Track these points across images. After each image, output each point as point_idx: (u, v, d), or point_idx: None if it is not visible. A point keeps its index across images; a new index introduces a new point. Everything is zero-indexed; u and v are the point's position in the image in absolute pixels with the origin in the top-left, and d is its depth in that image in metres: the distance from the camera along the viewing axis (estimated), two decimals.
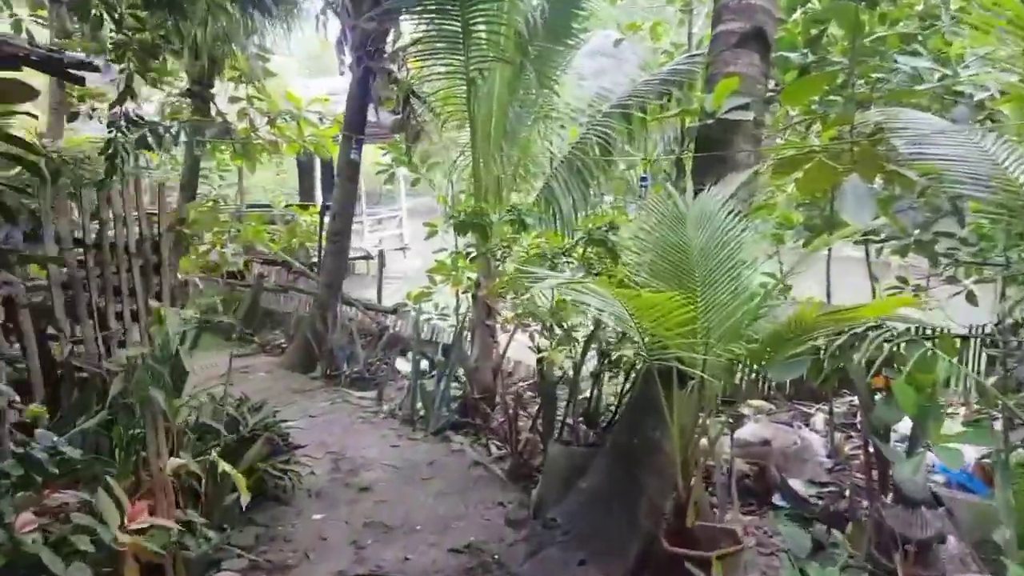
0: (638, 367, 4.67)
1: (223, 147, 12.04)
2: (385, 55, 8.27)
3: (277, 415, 5.33)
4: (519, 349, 6.65)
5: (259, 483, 4.70)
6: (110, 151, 5.56)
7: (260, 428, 4.97)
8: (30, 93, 3.50)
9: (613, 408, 5.23)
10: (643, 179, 5.07)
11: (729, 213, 3.94)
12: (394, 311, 8.62)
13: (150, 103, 15.54)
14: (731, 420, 5.42)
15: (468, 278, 8.13)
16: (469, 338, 7.27)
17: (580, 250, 4.76)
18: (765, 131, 5.18)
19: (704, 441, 3.95)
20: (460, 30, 6.40)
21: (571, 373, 5.24)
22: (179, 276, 7.27)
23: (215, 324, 6.07)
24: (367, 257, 18.40)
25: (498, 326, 7.01)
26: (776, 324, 3.53)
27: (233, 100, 12.35)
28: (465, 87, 6.74)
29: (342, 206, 8.20)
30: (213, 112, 11.70)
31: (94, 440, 3.90)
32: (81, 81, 5.62)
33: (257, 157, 12.93)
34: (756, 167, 4.39)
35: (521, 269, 4.62)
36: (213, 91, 11.67)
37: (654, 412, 3.97)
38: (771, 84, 4.86)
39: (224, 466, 3.67)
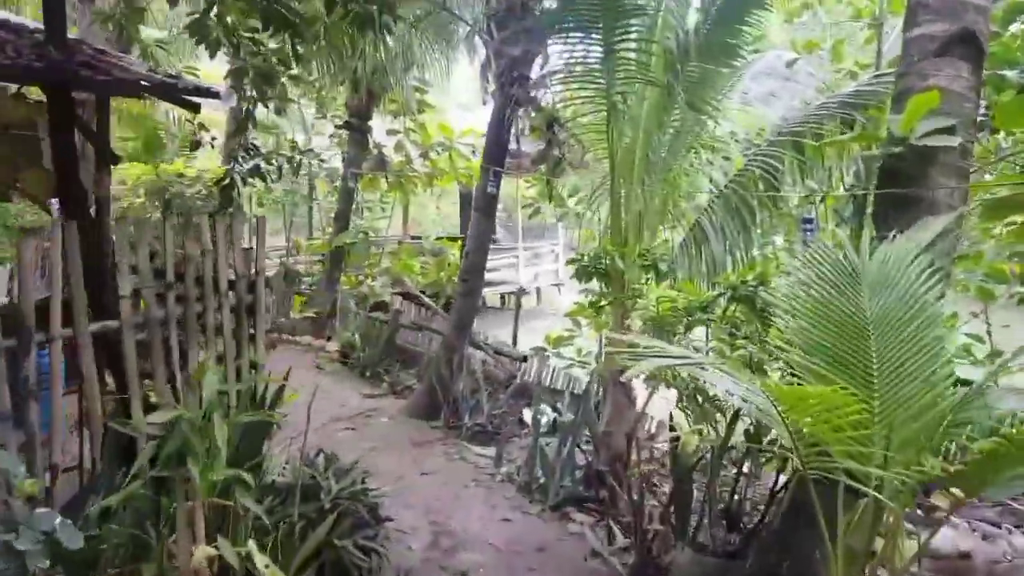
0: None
1: (379, 178, 11.99)
2: (530, 81, 7.67)
3: (367, 479, 4.73)
4: (666, 404, 5.72)
5: (336, 564, 4.09)
6: (226, 182, 5.34)
7: (345, 496, 4.38)
8: None
9: (761, 509, 4.17)
10: (807, 221, 4.03)
11: (923, 272, 2.88)
12: (524, 358, 7.91)
13: (321, 136, 16.11)
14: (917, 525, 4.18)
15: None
16: (601, 394, 6.41)
17: (723, 308, 3.81)
18: (972, 163, 4.01)
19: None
20: (601, 49, 5.65)
21: (711, 457, 4.25)
22: (291, 315, 7.09)
23: None
24: (521, 292, 17.98)
25: (636, 382, 6.11)
26: (991, 440, 2.44)
27: (391, 132, 12.37)
28: (606, 111, 5.96)
29: (477, 242, 7.65)
30: (370, 144, 11.75)
31: (135, 516, 3.39)
32: (197, 108, 5.45)
33: (412, 189, 12.87)
34: (961, 209, 3.28)
35: (631, 342, 3.72)
36: (371, 123, 11.73)
37: (813, 524, 2.94)
38: (981, 105, 3.71)
39: (261, 561, 3.06)
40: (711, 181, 6.81)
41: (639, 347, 2.65)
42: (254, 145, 5.29)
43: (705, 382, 3.73)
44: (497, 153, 7.68)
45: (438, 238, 13.88)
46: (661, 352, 2.49)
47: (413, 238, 15.31)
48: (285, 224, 15.20)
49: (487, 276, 17.30)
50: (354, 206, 16.01)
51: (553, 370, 8.50)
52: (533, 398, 6.41)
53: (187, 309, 4.20)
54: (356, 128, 11.02)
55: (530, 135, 8.66)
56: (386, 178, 11.57)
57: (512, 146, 8.06)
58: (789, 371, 3.14)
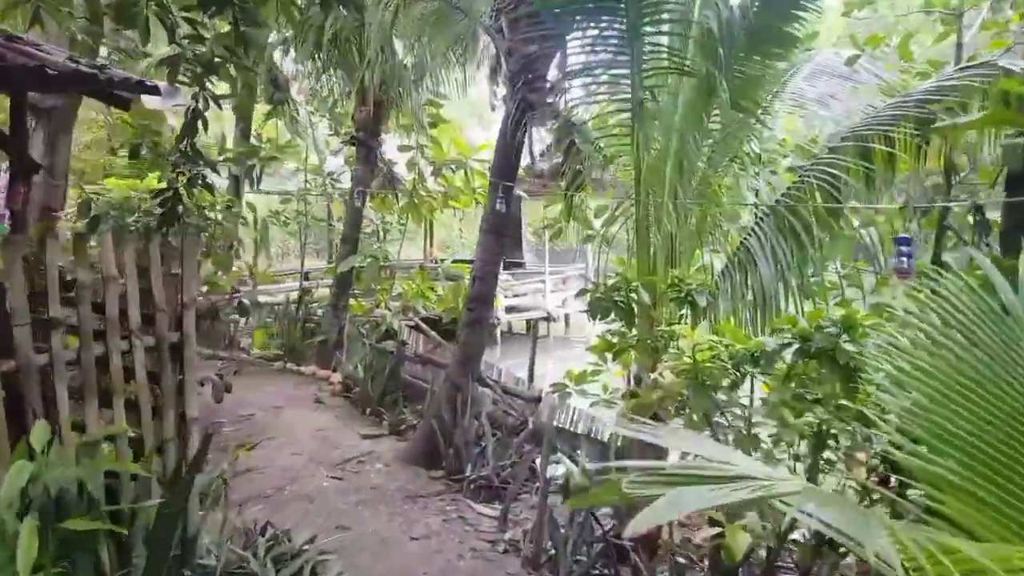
0: None
1: (390, 198, 11.05)
2: (546, 84, 6.67)
3: (325, 561, 3.69)
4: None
5: None
6: (166, 195, 4.39)
7: None
8: None
9: None
10: (902, 241, 2.93)
11: None
12: (538, 398, 6.82)
13: (337, 157, 15.28)
14: None
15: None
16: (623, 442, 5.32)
17: (784, 362, 2.71)
18: None
19: None
20: (625, 33, 4.62)
21: (766, 553, 3.14)
22: (247, 355, 6.08)
23: None
24: (548, 319, 16.87)
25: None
26: None
27: (403, 149, 11.45)
28: (631, 111, 4.94)
29: (485, 267, 6.63)
30: (379, 161, 10.85)
31: None
32: (126, 105, 4.53)
33: (426, 210, 11.92)
34: None
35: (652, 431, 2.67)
36: (381, 139, 10.83)
37: None
38: None
39: None
40: (757, 196, 5.73)
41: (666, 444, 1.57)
42: (197, 150, 4.30)
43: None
44: (507, 166, 6.67)
45: (455, 262, 12.88)
46: (699, 470, 1.43)
47: (434, 262, 14.35)
48: (301, 247, 14.33)
49: (513, 302, 16.36)
50: (372, 228, 15.16)
51: (573, 412, 7.40)
52: (543, 444, 5.32)
53: (83, 351, 3.22)
54: (363, 143, 10.10)
55: (553, 149, 7.68)
56: (396, 197, 10.62)
57: (526, 161, 7.06)
58: (885, 460, 2.05)
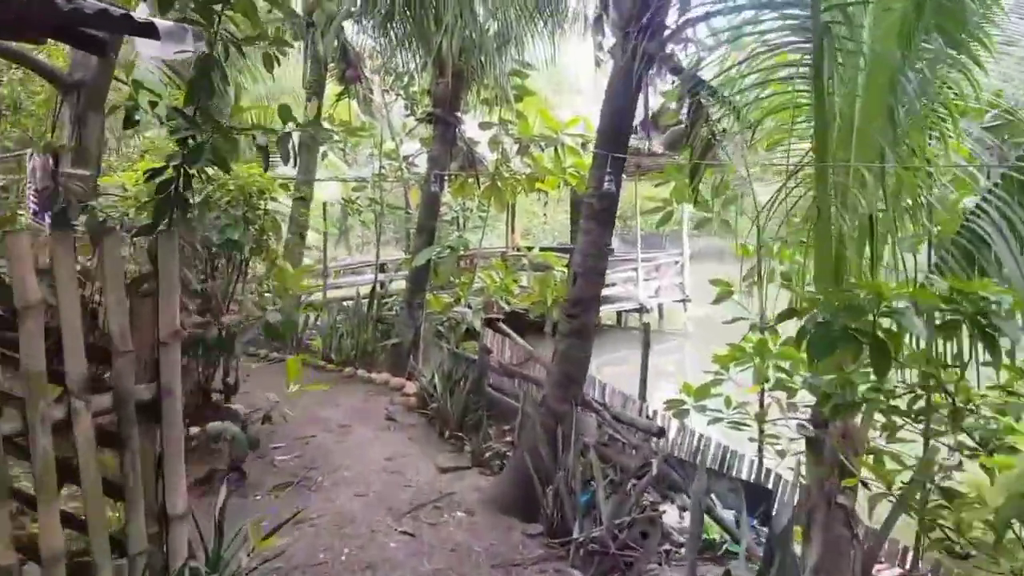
0: None
1: (471, 182, 9.67)
2: (668, 31, 5.13)
3: None
4: None
5: None
6: (163, 177, 3.12)
7: None
8: None
9: None
10: None
11: None
12: (661, 430, 5.31)
13: (414, 141, 14.01)
14: None
15: (784, 374, 4.90)
16: (798, 508, 3.82)
17: None
18: None
19: None
20: None
21: None
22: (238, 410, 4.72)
23: None
24: (641, 310, 15.27)
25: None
26: None
27: (485, 126, 10.04)
28: (805, 43, 3.38)
29: (589, 261, 5.17)
30: (459, 140, 9.49)
31: None
32: (101, 49, 3.26)
33: (510, 194, 10.49)
34: None
35: None
36: (460, 115, 9.47)
37: None
38: None
39: None
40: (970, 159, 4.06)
41: None
42: (208, 114, 2.98)
43: None
44: (616, 134, 5.17)
45: (542, 249, 11.45)
46: None
47: (518, 250, 12.97)
48: (377, 238, 13.16)
49: (603, 292, 14.85)
50: (452, 216, 13.86)
51: (699, 440, 5.89)
52: (692, 509, 3.84)
53: None
54: (441, 120, 8.76)
55: (667, 113, 6.15)
56: (477, 181, 9.24)
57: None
58: None
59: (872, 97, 3.52)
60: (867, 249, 3.70)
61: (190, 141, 2.99)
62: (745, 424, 5.68)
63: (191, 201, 3.20)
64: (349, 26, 10.97)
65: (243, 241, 5.33)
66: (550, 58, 9.26)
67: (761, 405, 5.70)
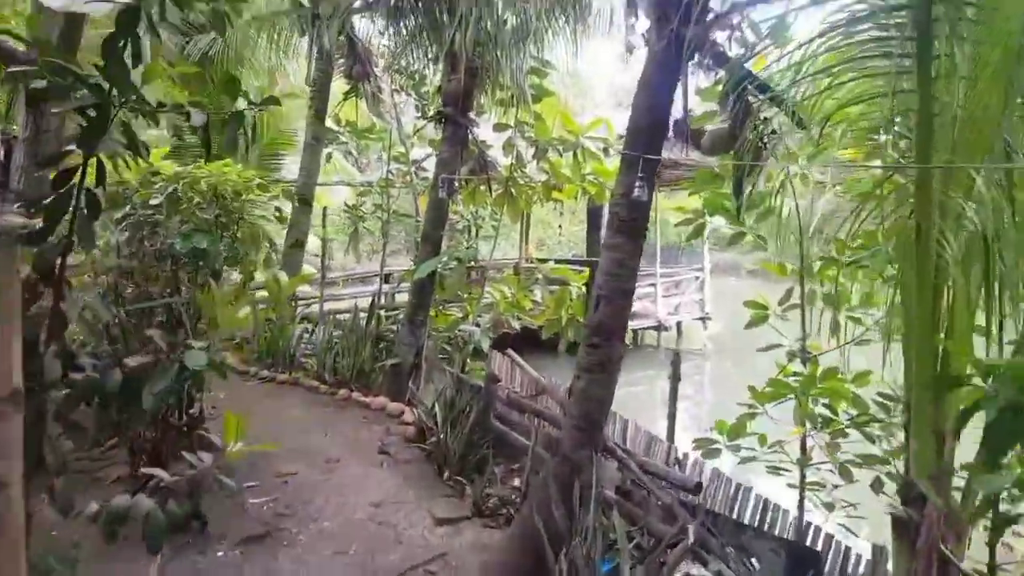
0: None
1: (483, 188, 8.87)
2: (712, 14, 4.32)
3: None
4: None
5: None
6: (65, 169, 2.35)
7: None
8: None
9: None
10: None
11: None
12: (698, 488, 4.44)
13: (425, 146, 13.24)
14: None
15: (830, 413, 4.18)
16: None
17: None
18: None
19: None
20: None
21: None
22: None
23: None
24: (659, 328, 14.39)
25: None
26: None
27: (499, 127, 9.25)
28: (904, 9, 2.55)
29: (614, 280, 4.34)
30: (471, 142, 8.71)
31: None
32: None
33: (523, 203, 9.69)
34: None
35: None
36: (473, 116, 8.69)
37: None
38: None
39: None
40: None
41: None
42: (122, 81, 2.18)
43: None
44: (651, 133, 4.35)
45: (558, 263, 10.62)
46: None
47: (529, 262, 12.15)
48: (383, 247, 12.35)
49: None
50: (464, 224, 13.07)
51: (737, 490, 5.02)
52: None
53: None
54: (451, 120, 7.98)
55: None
56: (489, 187, 8.43)
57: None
58: None
59: (991, 79, 2.67)
60: (978, 280, 2.86)
61: (93, 116, 2.22)
62: (783, 468, 4.83)
63: (100, 199, 2.40)
64: (357, 21, 10.26)
65: (212, 251, 4.55)
66: (572, 56, 8.49)
67: (803, 449, 4.86)
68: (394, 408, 7.57)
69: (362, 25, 10.50)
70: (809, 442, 4.71)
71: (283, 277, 10.41)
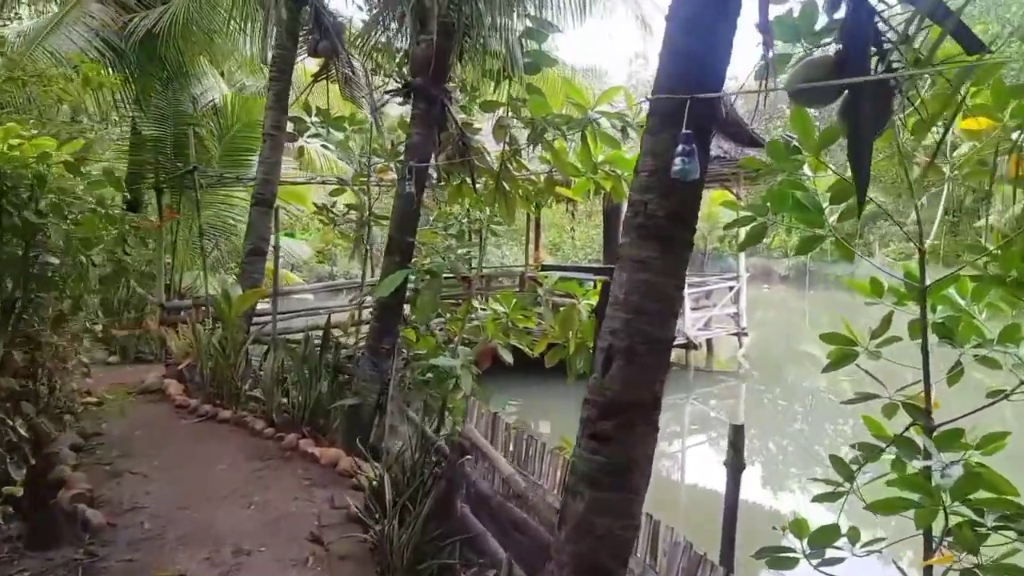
0: None
1: (466, 181, 6.94)
2: None
3: None
4: None
5: None
6: None
7: None
8: None
9: None
10: None
11: None
12: None
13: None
14: None
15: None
16: None
17: None
18: None
19: None
20: None
21: None
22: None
23: None
24: (687, 346, 12.42)
25: None
26: None
27: (487, 106, 7.34)
28: None
29: (640, 322, 2.46)
30: (448, 123, 6.83)
31: None
32: None
33: (519, 203, 7.75)
34: None
35: None
36: (450, 88, 6.82)
37: None
38: None
39: None
40: None
41: None
42: None
43: None
44: (702, 65, 2.45)
45: (565, 270, 8.70)
46: None
47: (534, 276, 10.23)
48: (366, 253, 10.44)
49: None
50: (459, 229, 11.14)
51: None
52: None
53: None
54: (422, 93, 6.11)
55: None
56: (472, 179, 6.54)
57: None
58: None
59: None
60: None
61: None
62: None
63: None
64: None
65: None
66: (578, 13, 6.58)
67: (928, 549, 2.92)
68: (347, 464, 5.73)
69: None
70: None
71: (235, 292, 8.55)
